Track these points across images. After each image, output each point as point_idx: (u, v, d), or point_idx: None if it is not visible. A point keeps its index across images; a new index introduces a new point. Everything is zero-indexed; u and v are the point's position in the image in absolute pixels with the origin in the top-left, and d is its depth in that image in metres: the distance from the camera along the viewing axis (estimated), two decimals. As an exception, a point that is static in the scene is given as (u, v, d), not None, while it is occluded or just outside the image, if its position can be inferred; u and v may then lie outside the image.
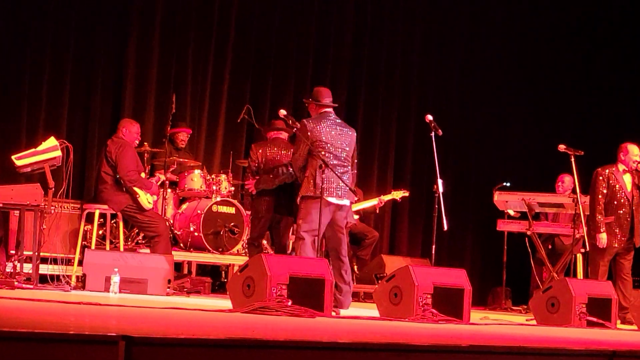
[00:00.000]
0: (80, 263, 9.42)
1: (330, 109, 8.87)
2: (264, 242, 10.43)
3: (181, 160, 11.29)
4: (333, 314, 7.52)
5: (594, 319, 8.45)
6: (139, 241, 10.94)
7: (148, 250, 10.12)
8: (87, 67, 11.78)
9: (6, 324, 4.21)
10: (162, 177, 10.99)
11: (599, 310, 8.57)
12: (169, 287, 9.26)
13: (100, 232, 10.53)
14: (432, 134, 9.15)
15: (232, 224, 10.94)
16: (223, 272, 11.90)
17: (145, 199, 9.88)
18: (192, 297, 9.58)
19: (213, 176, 11.23)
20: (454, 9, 14.47)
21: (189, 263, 11.38)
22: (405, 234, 14.16)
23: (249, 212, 10.53)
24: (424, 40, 14.34)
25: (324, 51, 13.63)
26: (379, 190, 12.97)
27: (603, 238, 10.11)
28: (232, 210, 11.00)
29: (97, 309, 6.38)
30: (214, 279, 11.26)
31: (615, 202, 10.23)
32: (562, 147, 10.09)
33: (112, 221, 10.45)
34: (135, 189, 9.83)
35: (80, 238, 9.99)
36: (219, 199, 10.99)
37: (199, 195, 11.13)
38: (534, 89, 14.72)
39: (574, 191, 10.90)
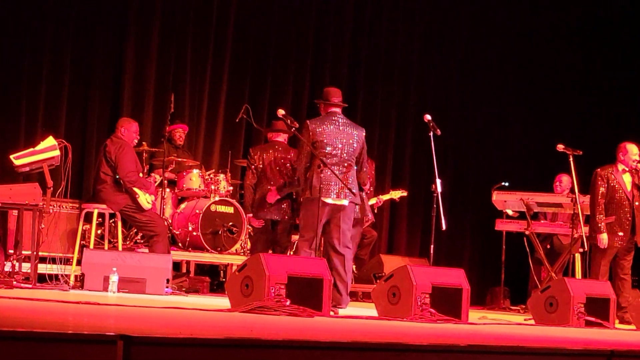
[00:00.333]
0: (79, 262, 9.41)
1: (338, 109, 8.88)
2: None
3: (180, 159, 11.29)
4: (331, 313, 7.52)
5: (592, 319, 8.45)
6: (138, 241, 10.94)
7: (146, 250, 10.11)
8: (85, 66, 11.78)
9: (5, 324, 4.21)
10: (159, 178, 10.98)
11: (598, 310, 8.57)
12: (167, 286, 9.25)
13: (99, 231, 10.52)
14: (431, 133, 9.15)
15: (231, 223, 10.94)
16: (221, 271, 11.90)
17: (145, 199, 9.87)
18: (190, 296, 9.58)
19: (211, 176, 11.23)
20: (454, 8, 14.46)
21: (188, 262, 11.38)
22: (403, 233, 14.16)
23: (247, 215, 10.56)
24: (423, 40, 14.33)
25: (323, 51, 13.63)
26: (377, 189, 12.96)
27: (604, 238, 10.12)
28: (230, 209, 11.00)
29: (96, 308, 6.38)
30: (212, 279, 11.26)
31: (615, 202, 10.24)
32: (560, 147, 10.10)
33: (111, 221, 10.44)
34: (135, 189, 9.83)
35: (79, 237, 9.98)
36: (217, 198, 10.99)
37: (197, 194, 11.13)
38: (533, 89, 14.71)
39: (572, 191, 10.90)
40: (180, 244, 10.95)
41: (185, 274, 10.99)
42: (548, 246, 11.85)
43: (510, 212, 11.69)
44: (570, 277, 10.33)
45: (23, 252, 8.89)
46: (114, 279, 8.70)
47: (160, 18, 12.26)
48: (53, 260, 9.20)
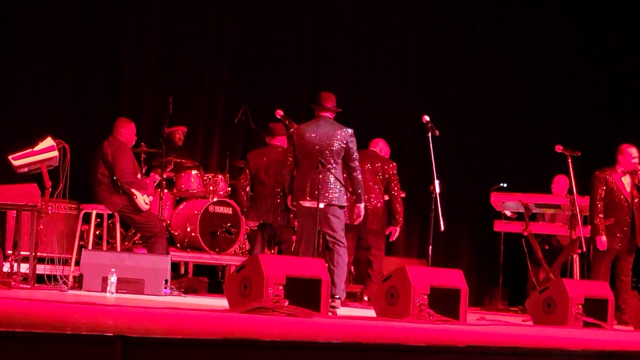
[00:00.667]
0: (77, 263, 9.41)
1: (329, 113, 8.90)
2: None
3: (178, 160, 11.29)
4: (330, 314, 7.53)
5: (590, 320, 8.45)
6: (136, 241, 10.94)
7: (145, 251, 10.12)
8: (84, 67, 11.77)
9: (3, 324, 4.22)
10: (158, 177, 10.98)
11: (596, 311, 8.57)
12: (166, 287, 9.25)
13: (98, 232, 10.52)
14: (429, 134, 9.15)
15: (229, 224, 10.95)
16: (220, 272, 11.90)
17: (142, 200, 9.87)
18: (188, 297, 9.58)
19: (210, 176, 11.24)
20: (452, 10, 14.46)
21: (186, 263, 11.38)
22: (402, 234, 14.12)
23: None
24: (421, 42, 14.32)
25: (321, 52, 13.63)
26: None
27: (603, 240, 10.16)
28: (229, 210, 11.01)
29: (94, 309, 6.38)
30: (210, 279, 11.26)
31: (615, 204, 10.26)
32: (559, 148, 10.11)
33: (109, 221, 10.44)
34: (133, 190, 9.83)
35: (77, 238, 9.98)
36: (215, 199, 10.99)
37: (195, 195, 11.13)
38: (531, 90, 14.71)
39: (569, 191, 10.91)
40: (178, 245, 10.95)
41: (183, 275, 11.00)
42: (546, 247, 11.85)
43: (508, 213, 11.69)
44: (569, 278, 10.35)
45: (21, 252, 8.89)
46: (112, 279, 8.70)
47: (159, 18, 12.26)
48: (51, 261, 9.20)
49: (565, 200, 11.07)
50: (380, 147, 10.94)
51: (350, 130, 8.83)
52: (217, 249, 10.89)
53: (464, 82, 14.55)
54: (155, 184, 10.70)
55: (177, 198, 11.32)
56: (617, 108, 14.62)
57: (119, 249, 10.03)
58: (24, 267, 8.90)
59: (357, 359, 4.46)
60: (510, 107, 14.61)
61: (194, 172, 11.19)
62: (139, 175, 10.14)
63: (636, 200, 10.31)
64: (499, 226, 11.67)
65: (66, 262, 9.64)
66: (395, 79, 14.23)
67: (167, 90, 11.62)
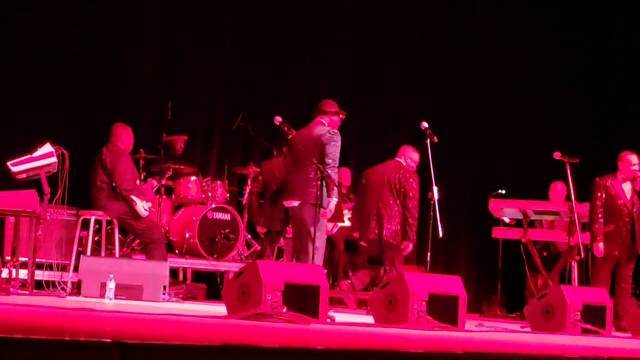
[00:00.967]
0: (76, 269, 9.41)
1: (325, 117, 8.94)
2: None
3: (176, 166, 11.28)
4: (328, 320, 7.53)
5: (589, 327, 8.45)
6: (135, 247, 10.93)
7: (143, 257, 10.11)
8: (83, 73, 11.78)
9: (1, 330, 4.21)
10: (156, 183, 10.97)
11: (594, 317, 8.57)
12: (164, 293, 9.25)
13: (96, 238, 10.51)
14: (428, 141, 9.17)
15: (228, 230, 10.94)
16: (218, 278, 11.89)
17: (142, 207, 9.87)
18: (187, 303, 9.57)
19: (208, 183, 11.23)
20: (451, 15, 14.47)
21: (185, 269, 11.37)
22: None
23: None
24: (420, 47, 14.34)
25: (321, 57, 13.64)
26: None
27: (600, 247, 10.18)
28: (227, 216, 11.00)
29: (92, 315, 6.38)
30: (209, 285, 11.25)
31: (615, 211, 10.28)
32: (558, 155, 10.12)
33: (108, 227, 10.44)
34: (133, 196, 9.83)
35: (76, 244, 9.97)
36: (214, 205, 10.99)
37: (194, 201, 11.13)
38: (530, 97, 14.72)
39: (567, 198, 10.92)
40: (177, 251, 10.94)
41: (182, 282, 10.99)
42: (545, 253, 11.85)
43: (506, 219, 11.69)
44: (567, 285, 10.34)
45: (20, 258, 8.88)
46: (110, 285, 8.69)
47: (158, 24, 12.26)
48: (50, 267, 9.19)
49: (564, 207, 11.07)
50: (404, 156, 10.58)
51: (331, 129, 8.82)
52: (216, 255, 10.88)
53: (463, 88, 14.55)
54: (153, 190, 10.70)
55: (176, 204, 11.31)
56: (616, 115, 14.63)
57: (117, 255, 10.02)
58: (23, 273, 8.89)
59: (355, 365, 4.46)
60: (509, 114, 14.62)
61: (192, 178, 11.18)
62: (138, 182, 10.13)
63: (636, 208, 10.32)
64: (498, 233, 11.67)
65: (64, 268, 9.63)
66: (394, 85, 14.23)
67: (166, 96, 11.63)
